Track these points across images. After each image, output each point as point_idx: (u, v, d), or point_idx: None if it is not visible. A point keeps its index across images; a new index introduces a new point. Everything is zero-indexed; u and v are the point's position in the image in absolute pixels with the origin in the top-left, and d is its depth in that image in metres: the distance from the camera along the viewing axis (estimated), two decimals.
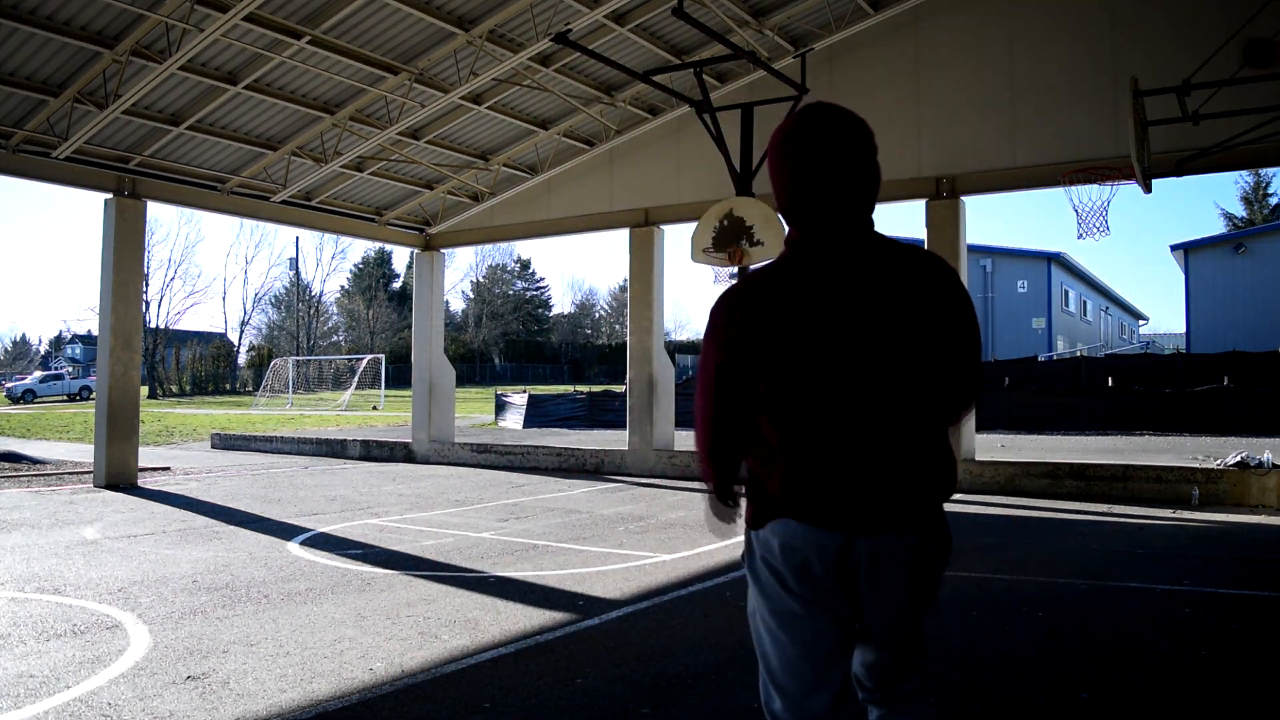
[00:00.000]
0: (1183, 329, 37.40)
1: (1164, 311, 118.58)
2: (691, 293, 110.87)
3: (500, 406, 29.89)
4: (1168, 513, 10.18)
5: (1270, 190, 50.79)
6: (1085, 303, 47.58)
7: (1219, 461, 11.64)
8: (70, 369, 56.96)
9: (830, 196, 2.13)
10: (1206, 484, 10.94)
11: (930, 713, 2.37)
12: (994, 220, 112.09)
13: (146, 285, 47.50)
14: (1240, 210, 51.70)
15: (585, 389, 32.69)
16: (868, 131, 2.18)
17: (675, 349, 38.34)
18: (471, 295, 70.76)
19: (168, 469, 15.59)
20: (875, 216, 2.22)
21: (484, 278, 71.01)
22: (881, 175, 2.23)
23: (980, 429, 15.61)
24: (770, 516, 2.18)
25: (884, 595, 2.17)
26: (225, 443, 21.23)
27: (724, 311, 2.19)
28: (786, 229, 2.23)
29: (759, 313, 2.14)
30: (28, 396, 46.91)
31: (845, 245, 2.15)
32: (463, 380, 38.94)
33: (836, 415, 2.12)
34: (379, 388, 43.46)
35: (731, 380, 2.16)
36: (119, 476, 12.94)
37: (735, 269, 13.12)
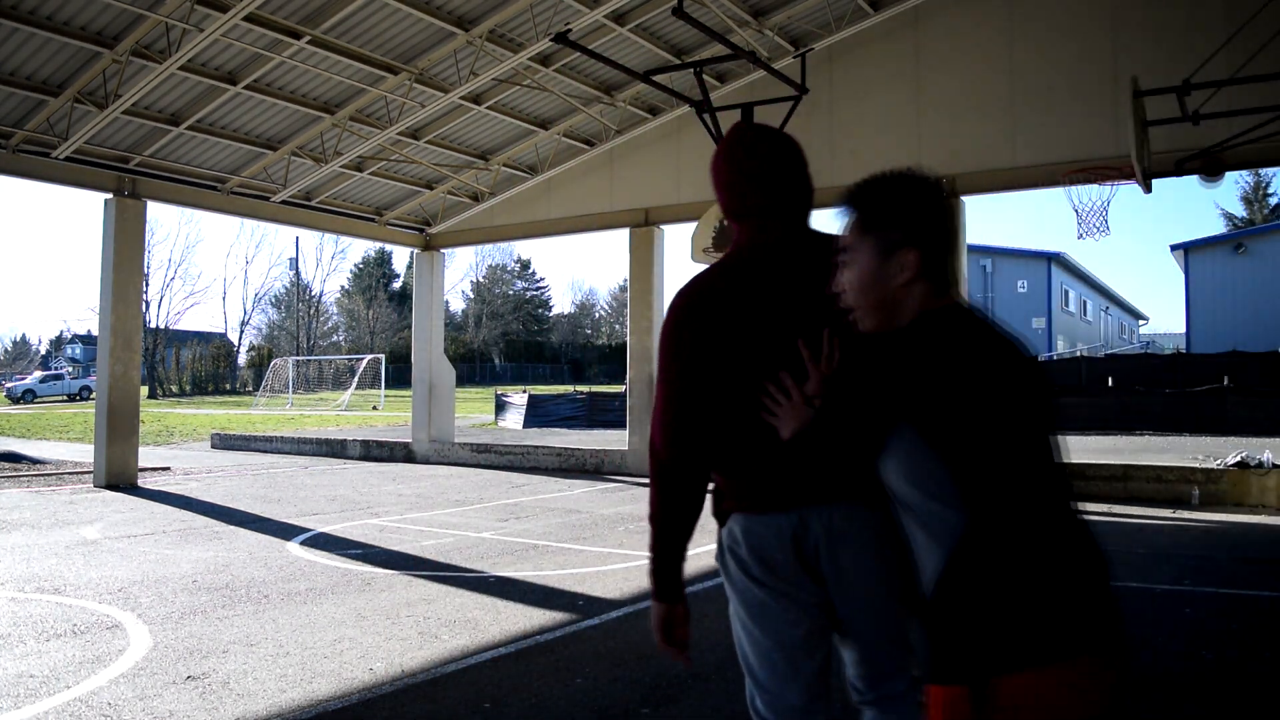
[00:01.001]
0: (1183, 329, 37.41)
1: (1164, 311, 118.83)
2: None
3: (500, 406, 29.89)
4: (1168, 513, 10.18)
5: (1270, 190, 50.84)
6: (1085, 303, 47.58)
7: (1219, 461, 11.64)
8: (70, 369, 56.95)
9: (784, 199, 2.25)
10: (1206, 484, 10.94)
11: (921, 714, 2.07)
12: (994, 220, 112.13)
13: (146, 285, 47.49)
14: (1240, 210, 51.74)
15: (585, 389, 32.68)
16: (800, 147, 2.35)
17: None
18: (471, 295, 70.76)
19: (168, 469, 15.59)
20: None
21: (484, 278, 71.01)
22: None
23: None
24: (730, 511, 2.20)
25: (847, 577, 2.12)
26: (225, 443, 21.23)
27: (683, 311, 2.20)
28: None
29: (718, 311, 2.17)
30: (28, 396, 46.89)
31: (793, 242, 2.24)
32: (463, 380, 38.94)
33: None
34: (379, 388, 43.45)
35: (698, 380, 2.15)
36: (119, 476, 12.95)
37: None
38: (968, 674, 1.66)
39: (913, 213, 1.87)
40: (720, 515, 2.23)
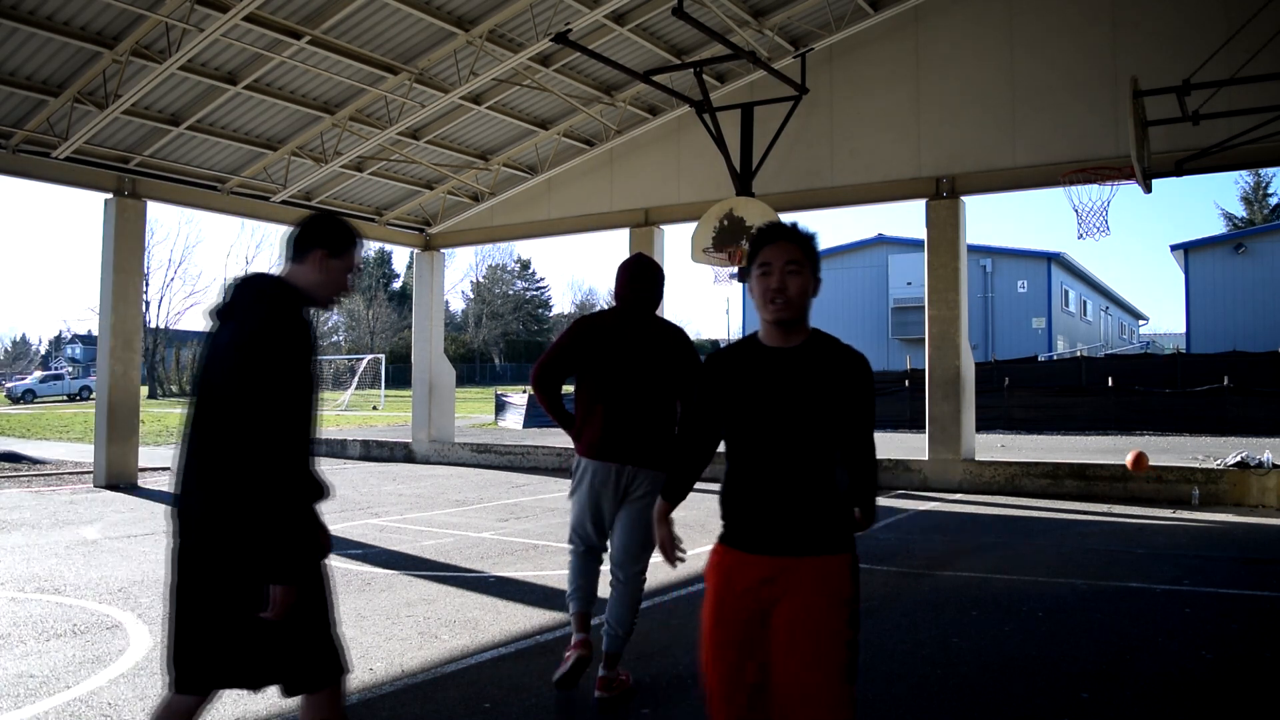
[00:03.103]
0: (1183, 329, 37.41)
1: (1164, 311, 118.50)
2: (692, 293, 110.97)
3: (500, 406, 29.87)
4: (1168, 513, 10.18)
5: (1270, 190, 50.80)
6: (1085, 303, 47.57)
7: (1219, 461, 11.64)
8: (70, 369, 56.91)
9: (638, 294, 4.30)
10: (1206, 484, 10.94)
11: (634, 594, 4.31)
12: (994, 220, 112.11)
13: (146, 285, 47.47)
14: (1240, 210, 51.72)
15: None
16: (660, 269, 4.39)
17: None
18: (471, 295, 70.74)
19: (168, 469, 15.59)
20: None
21: (484, 278, 70.99)
22: (663, 291, 4.37)
23: (980, 429, 15.60)
24: (580, 453, 4.27)
25: (626, 506, 4.21)
26: None
27: (575, 325, 4.38)
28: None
29: (591, 330, 4.31)
30: (28, 396, 46.87)
31: (639, 314, 4.29)
32: (463, 380, 38.91)
33: (613, 395, 4.16)
34: (379, 388, 43.45)
35: (562, 362, 4.31)
36: (119, 476, 12.95)
37: (735, 269, 13.11)
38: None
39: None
40: (584, 452, 4.23)
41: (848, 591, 2.48)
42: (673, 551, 2.86)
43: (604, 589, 4.32)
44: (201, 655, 2.56)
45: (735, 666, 2.48)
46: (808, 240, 2.62)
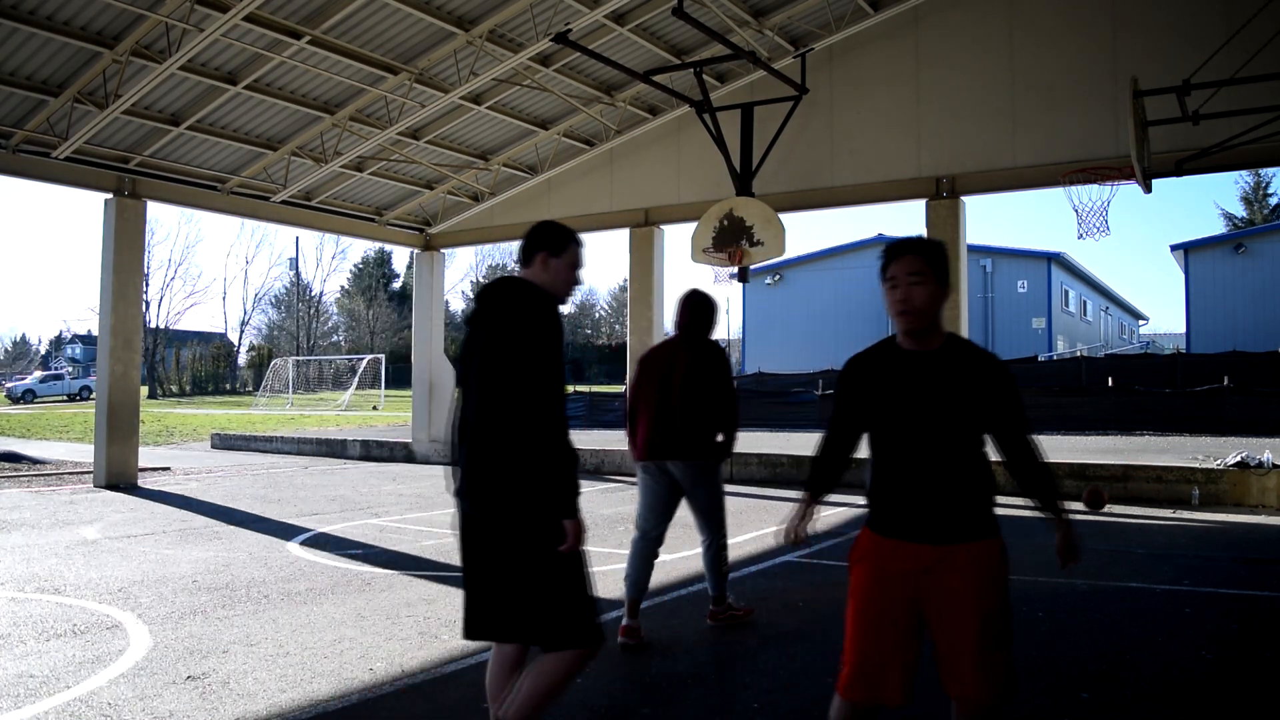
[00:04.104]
0: (1183, 329, 37.37)
1: (1164, 311, 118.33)
2: None
3: None
4: (1168, 513, 10.18)
5: (1270, 190, 50.74)
6: (1085, 303, 47.55)
7: (1219, 461, 11.63)
8: (70, 369, 56.90)
9: (692, 323, 5.28)
10: (1206, 484, 10.93)
11: (710, 561, 5.28)
12: (994, 220, 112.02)
13: (146, 285, 47.50)
14: (1240, 210, 51.69)
15: (585, 389, 32.66)
16: (712, 302, 5.27)
17: None
18: (471, 295, 70.75)
19: (168, 469, 15.59)
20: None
21: (484, 278, 70.98)
22: (714, 319, 5.31)
23: None
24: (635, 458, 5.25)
25: (686, 495, 5.19)
26: (225, 443, 21.23)
27: (638, 363, 5.33)
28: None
29: (645, 364, 5.26)
30: (28, 396, 46.87)
31: (691, 338, 5.27)
32: None
33: (657, 405, 5.09)
34: (379, 388, 43.42)
35: (632, 402, 5.32)
36: (119, 476, 12.95)
37: (735, 269, 13.12)
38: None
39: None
40: (639, 454, 5.20)
41: (1001, 571, 2.74)
42: (795, 534, 2.96)
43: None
44: (483, 609, 3.09)
45: (893, 642, 2.70)
46: (932, 250, 2.77)
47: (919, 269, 2.71)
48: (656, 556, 5.22)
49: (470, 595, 3.13)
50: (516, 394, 2.94)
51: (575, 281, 3.22)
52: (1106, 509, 10.41)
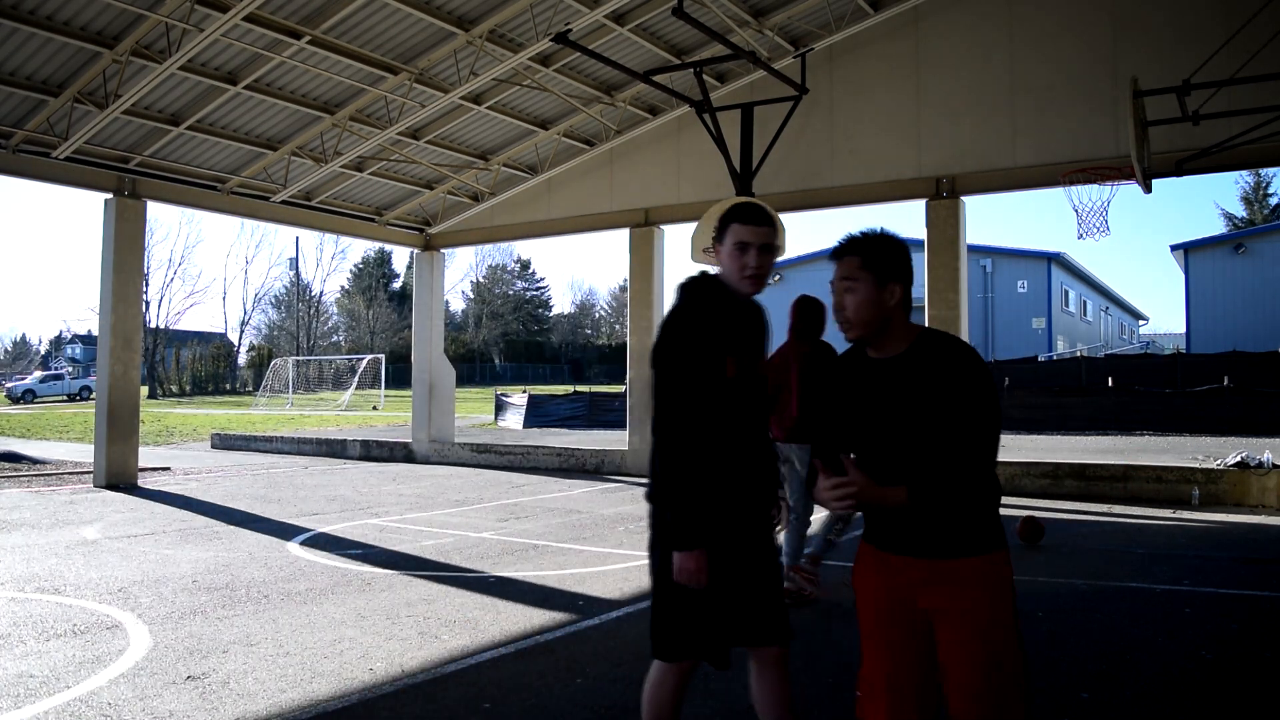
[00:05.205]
0: (1183, 329, 37.38)
1: (1164, 311, 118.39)
2: None
3: (500, 406, 29.86)
4: (1168, 513, 10.18)
5: (1270, 190, 50.79)
6: (1085, 303, 47.57)
7: (1219, 461, 11.63)
8: (70, 369, 56.92)
9: (805, 325, 6.04)
10: (1206, 484, 10.93)
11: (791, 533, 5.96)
12: (994, 220, 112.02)
13: (146, 285, 47.51)
14: (1240, 210, 51.72)
15: (585, 389, 32.65)
16: (822, 306, 5.38)
17: None
18: (471, 295, 70.76)
19: (168, 469, 15.59)
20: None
21: (484, 278, 71.02)
22: (824, 321, 5.51)
23: None
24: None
25: None
26: (225, 443, 21.23)
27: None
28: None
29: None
30: (28, 396, 46.88)
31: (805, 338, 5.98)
32: (463, 380, 38.90)
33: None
34: (379, 388, 43.43)
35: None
36: (119, 476, 12.94)
37: None
38: None
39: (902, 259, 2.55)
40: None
41: (1007, 586, 2.48)
42: (830, 498, 2.55)
43: None
44: (670, 627, 2.84)
45: (895, 664, 2.50)
46: (872, 246, 2.49)
47: (850, 273, 2.47)
48: (808, 526, 6.19)
49: (656, 610, 2.94)
50: (654, 397, 2.77)
51: (747, 267, 2.79)
52: (1106, 509, 10.41)
